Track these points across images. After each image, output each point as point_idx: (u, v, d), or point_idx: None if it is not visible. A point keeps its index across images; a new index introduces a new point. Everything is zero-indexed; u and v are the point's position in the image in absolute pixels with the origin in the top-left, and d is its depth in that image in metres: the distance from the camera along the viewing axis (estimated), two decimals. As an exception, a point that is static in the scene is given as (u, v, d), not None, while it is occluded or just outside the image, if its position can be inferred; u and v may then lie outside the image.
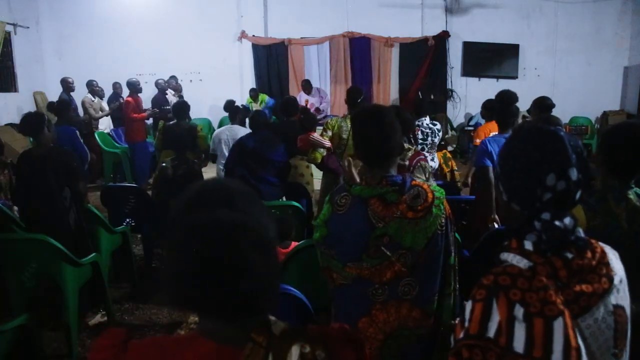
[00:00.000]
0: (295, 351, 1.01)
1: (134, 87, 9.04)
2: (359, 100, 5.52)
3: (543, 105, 5.83)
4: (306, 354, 1.01)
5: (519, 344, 1.17)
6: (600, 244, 1.35)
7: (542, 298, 1.19)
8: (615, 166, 2.15)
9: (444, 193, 2.09)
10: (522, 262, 1.26)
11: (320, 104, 11.24)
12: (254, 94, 11.25)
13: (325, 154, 5.42)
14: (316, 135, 5.45)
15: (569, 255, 1.26)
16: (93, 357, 1.07)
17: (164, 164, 5.26)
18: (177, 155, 5.21)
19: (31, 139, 9.08)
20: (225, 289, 0.98)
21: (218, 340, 1.02)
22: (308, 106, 10.49)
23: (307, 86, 11.30)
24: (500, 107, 4.87)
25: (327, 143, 5.36)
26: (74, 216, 4.25)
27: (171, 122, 6.13)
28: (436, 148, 5.74)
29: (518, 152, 1.34)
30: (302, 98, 10.86)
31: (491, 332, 1.19)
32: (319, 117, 10.07)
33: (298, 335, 1.04)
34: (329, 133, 5.41)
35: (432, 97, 11.54)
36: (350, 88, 5.91)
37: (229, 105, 6.66)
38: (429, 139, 5.47)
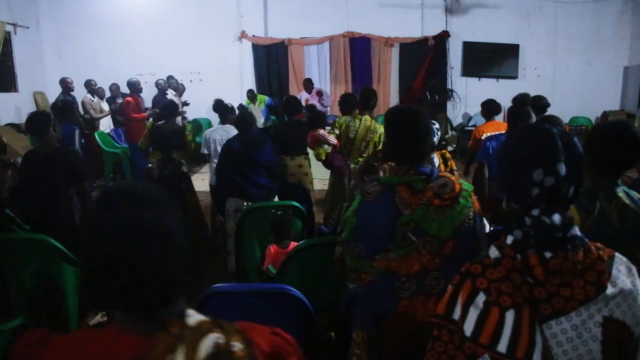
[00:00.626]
0: (208, 341, 1.04)
1: (135, 87, 9.05)
2: (372, 102, 5.53)
3: (538, 105, 5.83)
4: (220, 344, 1.04)
5: (468, 328, 1.23)
6: (614, 253, 1.33)
7: (498, 288, 1.24)
8: (607, 166, 2.16)
9: (472, 187, 2.11)
10: (494, 254, 1.30)
11: (322, 100, 11.16)
12: (251, 95, 11.24)
13: (329, 150, 5.43)
14: (322, 131, 5.46)
15: (547, 255, 1.26)
16: (15, 351, 1.09)
17: (149, 165, 5.26)
18: (164, 156, 5.21)
19: (30, 138, 9.13)
20: (124, 283, 1.01)
21: (134, 332, 1.04)
22: (308, 105, 10.47)
23: (308, 85, 11.26)
24: (510, 109, 4.93)
25: (333, 140, 5.36)
26: (79, 215, 4.26)
27: (160, 122, 6.09)
28: (435, 148, 5.75)
29: (512, 150, 1.37)
30: (302, 97, 10.86)
31: (457, 315, 1.26)
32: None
33: (215, 326, 1.07)
34: (336, 131, 5.42)
35: (437, 97, 11.56)
36: (364, 89, 5.89)
37: (219, 106, 6.57)
38: None
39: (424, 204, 1.99)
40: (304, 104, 10.43)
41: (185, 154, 5.77)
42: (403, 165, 2.12)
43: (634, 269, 1.34)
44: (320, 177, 8.32)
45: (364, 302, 2.18)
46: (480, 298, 1.24)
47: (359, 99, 5.67)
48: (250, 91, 11.35)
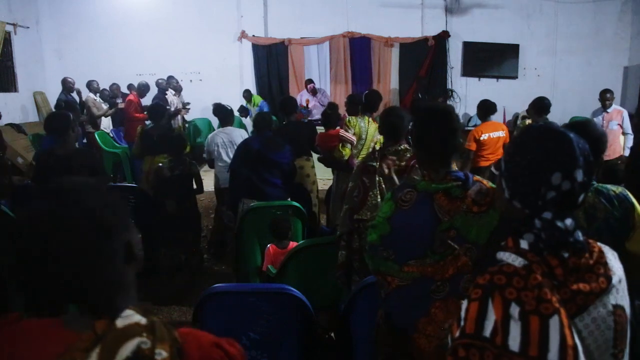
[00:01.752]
0: (130, 345, 1.00)
1: (140, 90, 9.10)
2: (377, 105, 5.54)
3: (541, 105, 5.83)
4: (143, 349, 1.00)
5: (514, 343, 1.17)
6: (599, 244, 1.35)
7: (537, 296, 1.19)
8: None
9: None
10: (517, 261, 1.26)
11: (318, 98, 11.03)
12: (247, 95, 11.21)
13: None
14: (343, 131, 5.47)
15: (565, 254, 1.26)
16: None
17: (160, 165, 5.27)
18: (175, 157, 5.23)
19: (30, 138, 9.14)
20: (30, 275, 1.01)
21: (65, 327, 1.03)
22: (309, 106, 10.43)
23: (310, 85, 11.14)
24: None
25: (354, 140, 5.38)
26: None
27: (149, 127, 6.05)
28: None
29: (526, 149, 1.33)
30: (303, 97, 10.84)
31: (487, 332, 1.20)
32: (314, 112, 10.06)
33: (145, 331, 1.03)
34: (352, 131, 5.44)
35: (426, 97, 11.50)
36: (371, 91, 5.89)
37: (220, 109, 6.46)
38: None
39: (464, 211, 1.98)
40: (304, 103, 10.41)
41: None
42: (437, 167, 2.09)
43: (616, 254, 1.36)
44: (320, 177, 8.32)
45: (392, 306, 2.16)
46: (514, 309, 1.19)
47: (365, 100, 5.67)
48: (246, 91, 11.32)
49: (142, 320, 1.05)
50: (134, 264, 1.14)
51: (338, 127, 5.58)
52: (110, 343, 0.99)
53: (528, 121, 6.32)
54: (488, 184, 2.05)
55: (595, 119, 7.48)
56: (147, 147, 5.87)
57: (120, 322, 1.03)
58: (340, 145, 5.45)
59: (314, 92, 10.88)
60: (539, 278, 1.22)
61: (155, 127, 5.98)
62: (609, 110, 7.51)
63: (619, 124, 7.46)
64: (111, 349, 0.99)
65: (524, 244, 1.29)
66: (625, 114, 7.61)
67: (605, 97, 7.54)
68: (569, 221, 1.28)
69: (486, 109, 6.41)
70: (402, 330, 2.09)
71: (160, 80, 10.36)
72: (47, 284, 1.02)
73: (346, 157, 5.43)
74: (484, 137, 6.16)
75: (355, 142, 5.40)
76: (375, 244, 2.14)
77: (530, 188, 1.31)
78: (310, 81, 11.22)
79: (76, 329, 1.01)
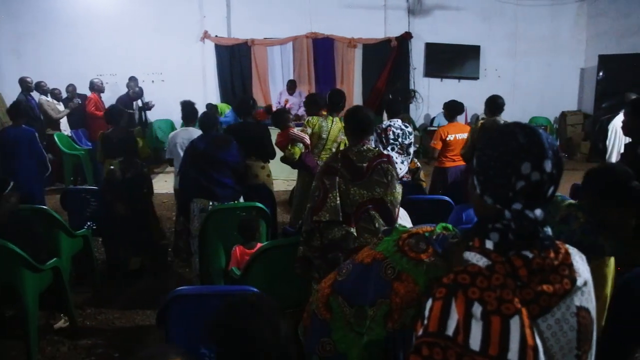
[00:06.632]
0: None
1: (97, 87, 8.96)
2: (340, 104, 5.55)
3: (494, 103, 5.89)
4: None
5: (475, 342, 1.18)
6: (566, 245, 1.36)
7: (499, 296, 1.21)
8: None
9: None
10: (481, 261, 1.27)
11: (299, 109, 10.92)
12: (211, 108, 11.00)
13: (303, 150, 5.42)
14: (296, 130, 5.45)
15: (529, 255, 1.27)
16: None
17: (112, 167, 5.21)
18: (126, 159, 5.16)
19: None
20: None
21: None
22: (288, 106, 10.32)
23: (291, 86, 11.10)
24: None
25: (307, 139, 5.36)
26: None
27: (109, 130, 5.96)
28: (407, 151, 5.62)
29: (497, 142, 1.34)
30: (282, 97, 10.77)
31: (450, 331, 1.21)
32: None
33: None
34: (309, 131, 5.42)
35: (399, 98, 11.59)
36: (333, 90, 5.90)
37: (186, 106, 6.29)
38: (399, 140, 5.43)
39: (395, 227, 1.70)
40: (283, 104, 10.35)
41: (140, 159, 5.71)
42: None
43: (584, 257, 1.38)
44: (283, 178, 8.30)
45: None
46: (477, 309, 1.20)
47: (328, 100, 5.67)
48: (210, 105, 10.99)
49: None
50: None
51: (291, 126, 5.57)
52: None
53: (481, 121, 6.36)
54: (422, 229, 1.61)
55: None
56: (107, 151, 5.79)
57: None
58: (289, 144, 5.45)
59: (292, 90, 10.84)
60: (501, 279, 1.23)
61: (115, 131, 5.88)
62: None
63: None
64: None
65: (489, 244, 1.30)
66: None
67: None
68: (538, 212, 1.29)
69: (453, 109, 6.45)
70: None
71: (136, 89, 10.21)
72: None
73: (296, 157, 5.41)
74: (450, 137, 6.17)
75: (308, 142, 5.39)
76: None
77: (500, 180, 1.31)
78: (293, 83, 11.18)
79: None
